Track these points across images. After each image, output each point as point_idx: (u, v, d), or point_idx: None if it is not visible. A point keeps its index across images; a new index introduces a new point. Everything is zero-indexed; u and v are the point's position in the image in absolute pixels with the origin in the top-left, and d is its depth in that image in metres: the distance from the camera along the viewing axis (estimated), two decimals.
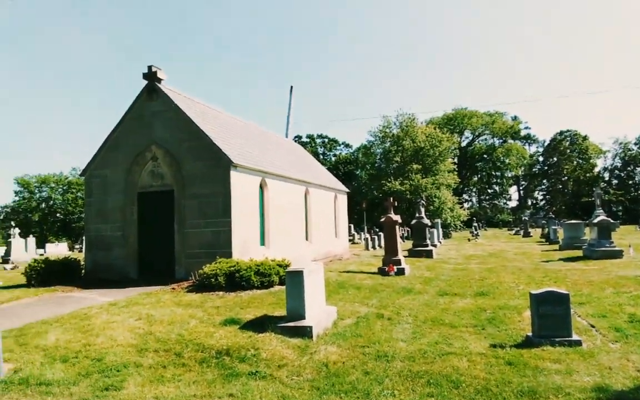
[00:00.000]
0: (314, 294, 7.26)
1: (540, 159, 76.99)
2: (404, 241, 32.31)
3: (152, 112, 13.92)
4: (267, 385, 4.94)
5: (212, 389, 4.87)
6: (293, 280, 6.95)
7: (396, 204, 15.90)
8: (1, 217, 74.08)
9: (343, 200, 24.28)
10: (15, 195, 75.44)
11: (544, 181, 75.76)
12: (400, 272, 13.83)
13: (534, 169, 76.43)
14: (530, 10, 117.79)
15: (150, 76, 13.91)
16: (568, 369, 5.19)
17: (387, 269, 13.81)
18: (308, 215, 18.97)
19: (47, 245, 45.04)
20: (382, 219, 15.51)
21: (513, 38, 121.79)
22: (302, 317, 6.83)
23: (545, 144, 76.03)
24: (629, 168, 68.68)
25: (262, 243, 14.73)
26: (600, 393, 4.52)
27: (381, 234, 23.64)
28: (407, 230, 38.16)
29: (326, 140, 79.00)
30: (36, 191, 76.15)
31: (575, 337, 6.15)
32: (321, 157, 74.08)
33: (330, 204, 22.20)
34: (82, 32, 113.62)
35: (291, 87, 34.87)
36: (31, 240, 32.61)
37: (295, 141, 56.51)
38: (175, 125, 13.61)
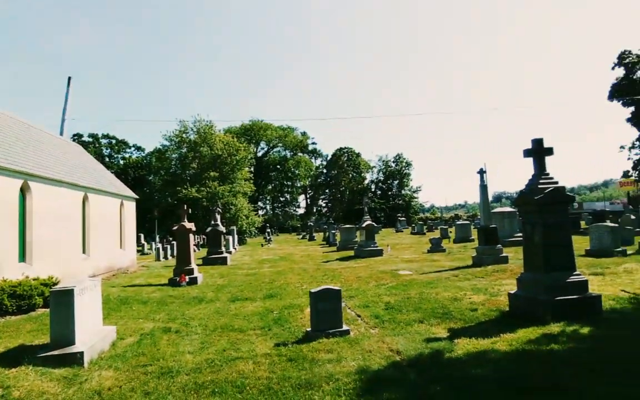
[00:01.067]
0: (87, 315, 6.39)
1: (324, 171, 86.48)
2: (199, 249, 31.63)
3: None
4: None
5: None
6: (60, 301, 5.97)
7: (190, 211, 15.45)
8: None
9: (131, 208, 22.26)
10: None
11: (327, 191, 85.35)
12: (193, 281, 13.48)
13: (319, 180, 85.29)
14: (328, 38, 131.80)
15: None
16: (338, 357, 5.90)
17: (178, 280, 13.26)
18: (86, 225, 16.69)
19: None
20: (175, 227, 14.85)
21: (308, 57, 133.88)
22: (71, 343, 5.91)
23: (328, 158, 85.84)
24: (389, 181, 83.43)
25: (22, 259, 12.23)
26: (362, 374, 5.27)
27: (175, 243, 22.61)
28: (203, 238, 37.53)
29: (114, 141, 71.33)
30: None
31: (345, 327, 7.05)
32: (107, 159, 66.49)
33: (115, 212, 20.07)
34: None
35: (69, 78, 30.24)
36: None
37: (74, 140, 49.32)
38: None
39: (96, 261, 16.78)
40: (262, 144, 77.25)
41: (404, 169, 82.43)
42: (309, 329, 7.09)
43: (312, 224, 48.39)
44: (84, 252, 16.31)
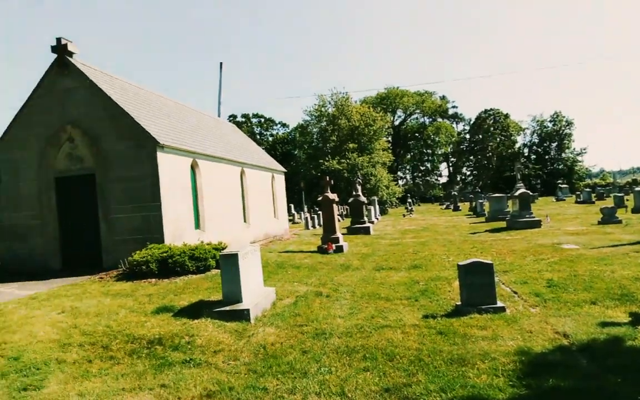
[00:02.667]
0: (250, 276, 7.13)
1: (467, 136, 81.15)
2: (342, 219, 32.84)
3: (66, 89, 12.75)
4: (201, 372, 4.78)
5: (142, 380, 4.62)
6: (227, 263, 6.76)
7: (332, 182, 16.03)
8: None
9: (281, 181, 24.09)
10: None
11: (471, 158, 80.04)
12: (339, 249, 14.03)
13: (461, 146, 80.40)
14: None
15: (60, 49, 12.64)
16: (494, 334, 5.52)
17: (326, 247, 13.95)
18: (245, 197, 18.61)
19: None
20: (320, 198, 15.58)
21: (444, 19, 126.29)
22: (239, 301, 6.68)
23: (471, 122, 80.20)
24: (545, 144, 74.34)
25: (197, 226, 14.24)
26: (523, 356, 4.84)
27: (320, 213, 23.83)
28: (346, 209, 38.82)
29: (262, 119, 77.67)
30: None
31: (499, 304, 6.56)
32: (258, 137, 72.82)
33: (268, 184, 21.94)
34: None
35: (220, 63, 33.72)
36: None
37: (230, 121, 55.01)
38: (92, 103, 12.58)
39: (255, 229, 18.66)
40: (399, 112, 75.50)
41: (563, 128, 72.36)
42: (458, 303, 6.79)
43: (456, 193, 46.12)
44: (244, 221, 18.27)
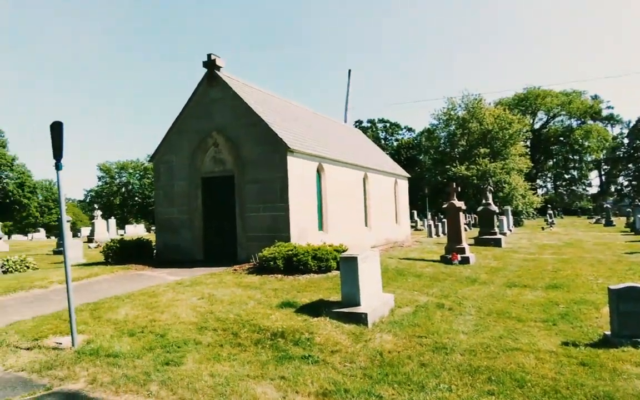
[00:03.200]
0: (369, 281, 7.11)
1: (626, 141, 70.14)
2: (470, 229, 31.01)
3: (212, 99, 14.33)
4: (319, 370, 4.89)
5: (265, 370, 4.91)
6: (347, 265, 6.84)
7: (459, 189, 15.19)
8: (87, 200, 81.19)
9: (404, 186, 23.70)
10: (99, 180, 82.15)
11: (630, 165, 68.99)
12: (465, 260, 13.25)
13: (617, 152, 69.82)
14: None
15: (210, 64, 14.28)
16: None
17: (450, 257, 13.29)
18: (367, 201, 18.72)
19: (127, 226, 48.58)
20: (445, 205, 14.91)
21: (591, 8, 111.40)
22: (357, 304, 6.71)
23: (631, 124, 69.03)
24: None
25: (320, 228, 14.75)
26: None
27: (445, 221, 22.84)
28: (474, 218, 36.57)
29: (388, 124, 77.54)
30: (116, 176, 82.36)
31: None
32: (382, 141, 72.90)
33: (391, 189, 21.75)
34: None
35: (349, 70, 34.42)
36: (112, 221, 35.30)
37: (355, 126, 56.00)
38: (234, 112, 13.91)
39: (375, 234, 18.65)
40: (540, 114, 68.30)
41: None
42: (607, 333, 5.85)
43: (609, 205, 40.17)
44: (365, 225, 18.39)
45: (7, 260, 13.38)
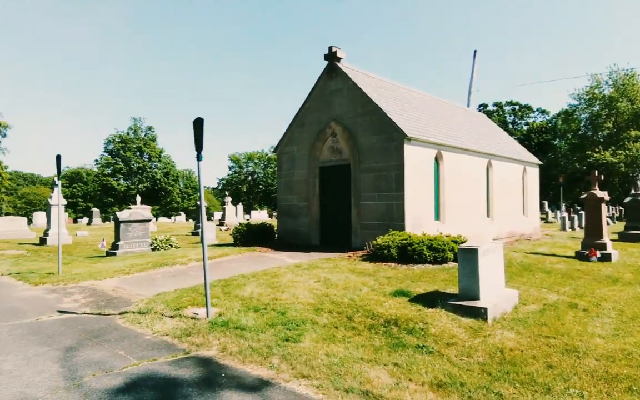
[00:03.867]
0: (490, 274, 6.69)
1: None
2: (613, 222, 27.15)
3: (332, 91, 14.68)
4: (433, 361, 4.78)
5: (378, 355, 4.96)
6: (466, 257, 6.52)
7: (602, 178, 13.36)
8: (219, 187, 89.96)
9: (534, 174, 21.62)
10: (229, 170, 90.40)
11: None
12: (605, 257, 11.68)
13: None
14: None
15: (331, 56, 14.65)
16: None
17: (587, 254, 11.83)
18: (490, 190, 17.53)
19: (252, 211, 52.65)
20: (584, 196, 13.26)
21: None
22: (476, 297, 6.37)
23: None
24: None
25: (437, 218, 14.26)
26: None
27: (583, 213, 20.34)
28: (619, 210, 31.93)
29: (517, 107, 71.14)
30: (244, 166, 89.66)
31: None
32: (510, 126, 67.30)
33: (518, 178, 20.02)
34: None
35: (474, 51, 32.12)
36: (240, 207, 38.61)
37: (480, 110, 52.58)
38: (351, 101, 14.09)
39: (498, 225, 17.41)
40: None
41: None
42: None
43: None
44: (487, 215, 17.27)
45: (155, 240, 15.50)
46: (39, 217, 39.70)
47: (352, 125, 14.02)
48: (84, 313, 6.95)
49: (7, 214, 55.75)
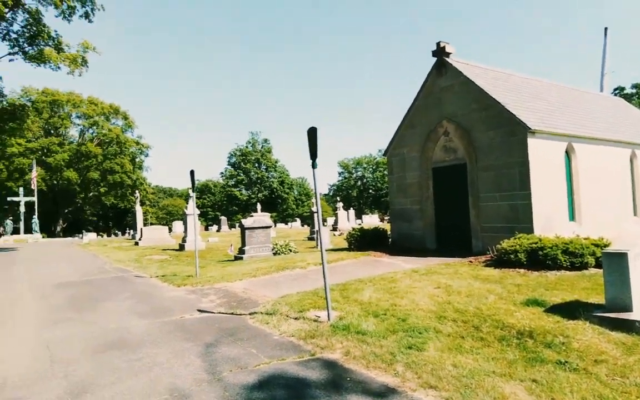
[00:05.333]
0: None
1: None
2: None
3: (442, 88, 14.11)
4: (579, 379, 4.26)
5: (512, 369, 4.58)
6: (613, 263, 5.72)
7: None
8: (330, 194, 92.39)
9: None
10: (339, 176, 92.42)
11: None
12: None
13: None
14: None
15: (439, 52, 14.10)
16: None
17: None
18: (635, 186, 15.22)
19: (363, 216, 53.02)
20: None
21: None
22: (628, 309, 5.55)
23: None
24: None
25: (572, 218, 12.79)
26: None
27: None
28: None
29: None
30: (353, 171, 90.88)
31: None
32: None
33: None
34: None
35: (605, 29, 28.26)
36: (351, 212, 39.18)
37: (615, 94, 46.16)
38: (464, 97, 13.37)
39: None
40: None
41: None
42: None
43: None
44: (634, 214, 15.02)
45: (276, 245, 16.42)
46: (177, 225, 44.78)
47: (466, 122, 13.30)
48: (220, 312, 7.63)
49: (152, 223, 64.00)
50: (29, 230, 44.07)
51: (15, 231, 45.16)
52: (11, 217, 49.08)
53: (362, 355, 5.12)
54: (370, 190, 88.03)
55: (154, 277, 12.31)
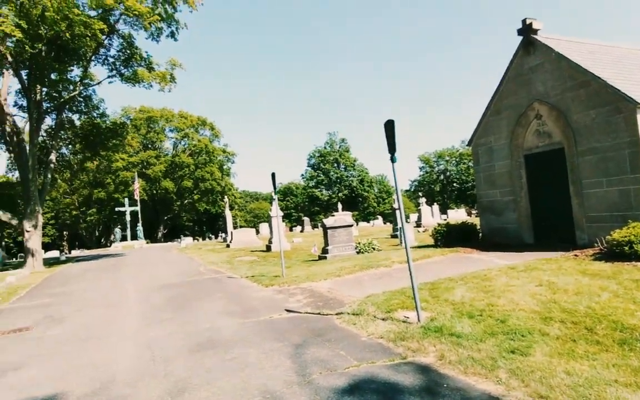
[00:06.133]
0: None
1: None
2: None
3: (530, 68, 12.95)
4: None
5: (638, 377, 3.97)
6: None
7: None
8: (412, 189, 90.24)
9: None
10: (420, 170, 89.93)
11: None
12: None
13: None
14: None
15: (525, 30, 12.94)
16: None
17: None
18: None
19: (448, 211, 50.98)
20: None
21: None
22: None
23: None
24: None
25: None
26: None
27: None
28: None
29: None
30: (435, 165, 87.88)
31: None
32: None
33: None
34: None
35: None
36: (435, 207, 37.78)
37: None
38: (557, 75, 12.12)
39: None
40: None
41: None
42: None
43: None
44: None
45: (359, 243, 16.27)
46: (263, 227, 46.55)
47: (560, 103, 12.07)
48: (306, 312, 7.66)
49: (241, 226, 67.30)
50: (134, 237, 48.56)
51: (123, 238, 50.00)
52: (119, 226, 54.57)
53: (459, 359, 4.77)
54: (455, 184, 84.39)
55: (244, 278, 12.81)
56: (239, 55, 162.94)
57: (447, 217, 40.27)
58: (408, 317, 6.52)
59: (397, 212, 14.12)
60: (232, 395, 4.45)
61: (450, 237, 14.54)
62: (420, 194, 50.58)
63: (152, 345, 6.56)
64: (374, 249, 16.17)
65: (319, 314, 7.50)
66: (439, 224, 16.00)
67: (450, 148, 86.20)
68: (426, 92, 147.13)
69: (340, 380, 4.56)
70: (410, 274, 6.41)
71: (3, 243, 49.95)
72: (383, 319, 6.61)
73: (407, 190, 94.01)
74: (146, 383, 5.02)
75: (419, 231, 26.85)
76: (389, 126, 6.48)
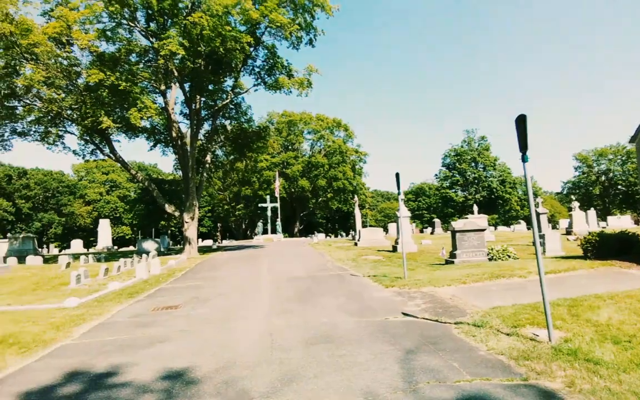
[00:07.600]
0: None
1: None
2: None
3: None
4: None
5: None
6: None
7: None
8: (564, 192, 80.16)
9: None
10: (575, 171, 79.30)
11: None
12: None
13: None
14: None
15: None
16: None
17: None
18: None
19: (609, 218, 44.14)
20: None
21: None
22: None
23: None
24: None
25: None
26: None
27: None
28: None
29: None
30: (594, 165, 76.64)
31: None
32: None
33: None
34: None
35: None
36: (591, 213, 33.01)
37: None
38: None
39: None
40: None
41: None
42: None
43: None
44: None
45: (492, 249, 15.09)
46: (392, 227, 46.30)
47: None
48: (424, 318, 7.40)
49: (371, 225, 67.94)
50: (274, 231, 52.64)
51: (264, 232, 54.63)
52: (262, 220, 59.70)
53: (592, 389, 4.12)
54: (620, 186, 72.39)
55: (366, 277, 12.92)
56: (374, 51, 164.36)
57: (607, 225, 34.88)
58: (537, 335, 5.85)
59: (535, 216, 12.77)
60: (336, 393, 4.54)
61: (603, 248, 12.55)
62: (573, 197, 44.61)
63: (273, 333, 7.04)
64: (509, 256, 14.83)
65: (436, 321, 7.18)
66: (590, 233, 13.94)
67: (614, 145, 74.23)
68: (581, 82, 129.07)
69: (448, 393, 4.31)
70: (541, 284, 5.75)
71: (169, 231, 58.77)
72: (507, 334, 6.04)
73: (558, 193, 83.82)
74: (262, 368, 5.41)
75: (568, 239, 23.77)
76: (521, 122, 5.91)
